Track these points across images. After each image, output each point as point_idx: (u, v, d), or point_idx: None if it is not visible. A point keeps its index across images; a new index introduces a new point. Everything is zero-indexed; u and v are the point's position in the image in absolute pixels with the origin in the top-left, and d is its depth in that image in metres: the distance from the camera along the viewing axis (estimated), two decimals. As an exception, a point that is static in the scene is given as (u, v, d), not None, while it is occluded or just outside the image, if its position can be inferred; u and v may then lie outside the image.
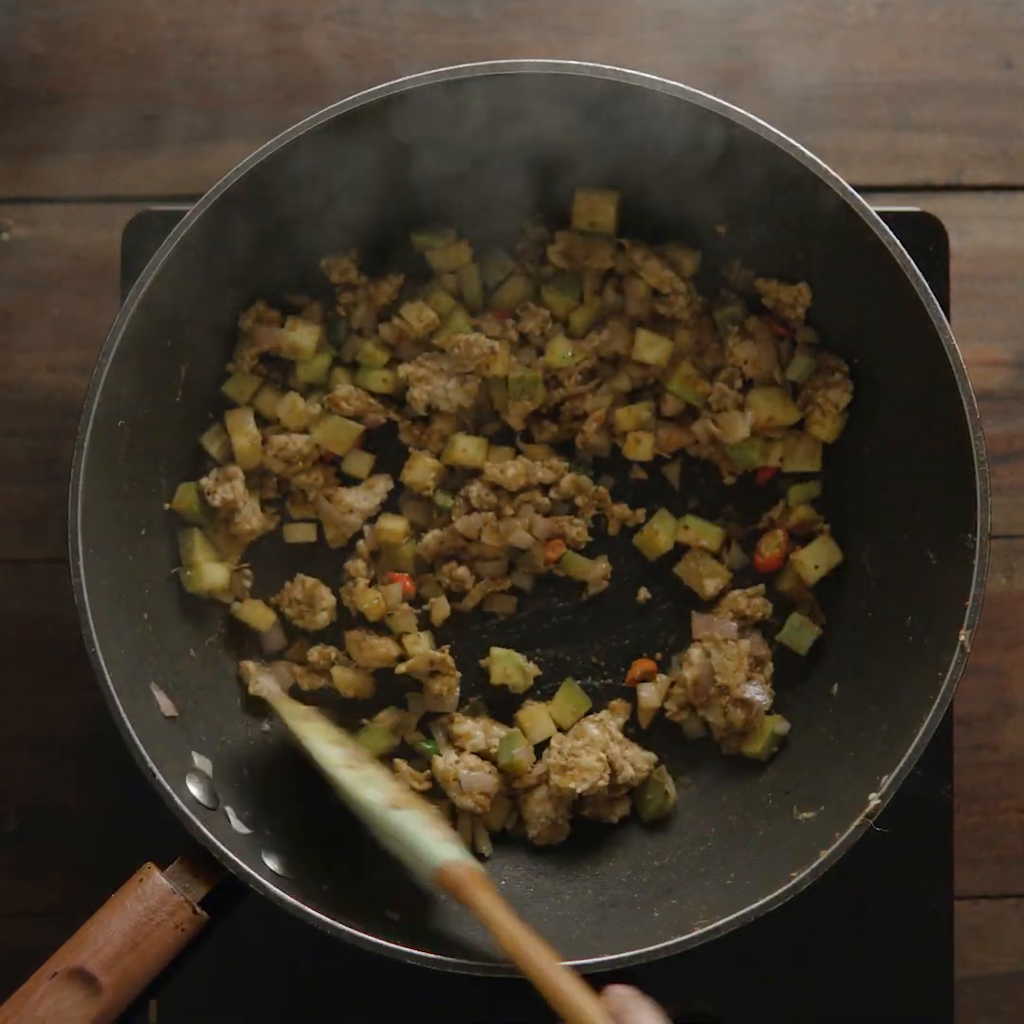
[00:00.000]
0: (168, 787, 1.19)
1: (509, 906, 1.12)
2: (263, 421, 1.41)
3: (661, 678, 1.41)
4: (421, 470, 1.39)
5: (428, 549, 1.40)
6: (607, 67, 1.20)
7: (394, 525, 1.39)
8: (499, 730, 1.38)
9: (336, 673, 1.39)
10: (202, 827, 1.19)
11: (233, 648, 1.41)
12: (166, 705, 1.28)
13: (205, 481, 1.37)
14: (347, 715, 1.40)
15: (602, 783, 1.34)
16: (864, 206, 1.22)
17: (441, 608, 1.40)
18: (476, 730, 1.38)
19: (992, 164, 1.49)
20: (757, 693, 1.37)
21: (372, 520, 1.41)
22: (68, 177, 1.48)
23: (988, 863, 1.45)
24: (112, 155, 1.48)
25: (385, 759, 1.39)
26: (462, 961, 1.18)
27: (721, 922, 1.17)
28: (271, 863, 1.24)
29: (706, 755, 1.41)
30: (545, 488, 1.41)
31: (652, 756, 1.38)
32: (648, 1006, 1.01)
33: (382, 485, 1.41)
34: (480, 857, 1.38)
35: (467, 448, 1.39)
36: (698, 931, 1.17)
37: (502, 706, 1.40)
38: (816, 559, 1.39)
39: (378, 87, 1.21)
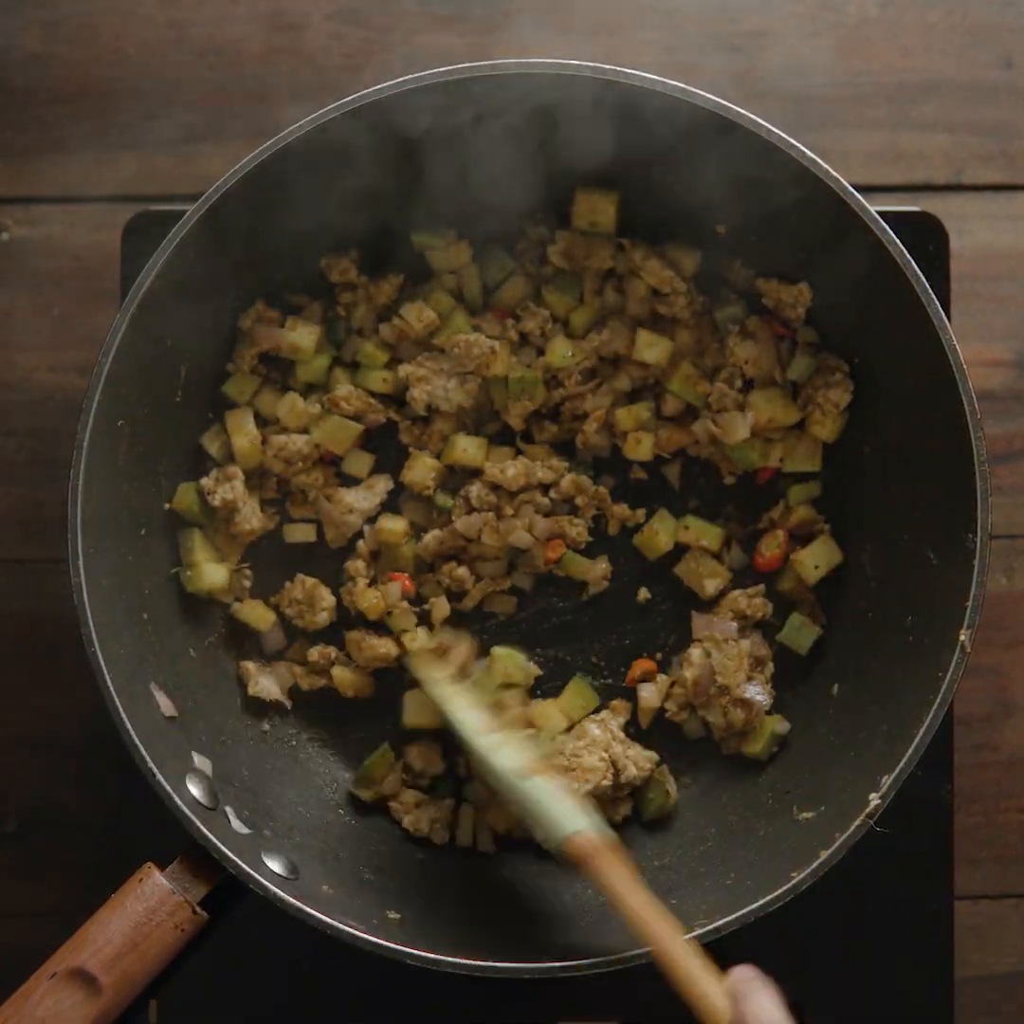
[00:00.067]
0: (168, 787, 1.19)
1: (637, 879, 1.11)
2: (263, 421, 1.41)
3: (661, 678, 1.41)
4: (421, 470, 1.39)
5: (428, 549, 1.40)
6: (607, 67, 1.20)
7: (394, 525, 1.39)
8: None
9: (336, 673, 1.39)
10: (202, 827, 1.19)
11: (233, 648, 1.41)
12: (166, 705, 1.28)
13: (205, 481, 1.37)
14: (347, 715, 1.41)
15: (605, 783, 1.34)
16: (864, 206, 1.22)
17: (441, 608, 1.40)
18: None
19: (992, 164, 1.49)
20: (757, 693, 1.37)
21: (372, 520, 1.41)
22: (68, 177, 1.48)
23: (988, 863, 1.45)
24: (112, 155, 1.48)
25: None
26: (462, 961, 1.18)
27: (721, 922, 1.17)
28: (271, 863, 1.24)
29: (706, 755, 1.40)
30: (545, 488, 1.41)
31: (654, 755, 1.38)
32: (767, 989, 0.99)
33: (382, 485, 1.41)
34: (483, 855, 1.39)
35: (467, 448, 1.39)
36: (698, 931, 1.17)
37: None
38: (816, 559, 1.39)
39: (378, 87, 1.21)
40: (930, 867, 1.38)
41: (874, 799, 1.19)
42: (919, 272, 1.21)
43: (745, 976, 1.01)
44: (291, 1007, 1.38)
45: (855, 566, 1.39)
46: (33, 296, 1.47)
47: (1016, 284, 1.48)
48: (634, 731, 1.41)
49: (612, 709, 1.40)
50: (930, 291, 1.21)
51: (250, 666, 1.40)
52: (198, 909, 1.17)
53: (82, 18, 1.49)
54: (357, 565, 1.40)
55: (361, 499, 1.40)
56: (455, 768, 1.41)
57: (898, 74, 1.49)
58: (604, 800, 1.37)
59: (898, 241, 1.21)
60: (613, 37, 1.49)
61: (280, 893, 1.18)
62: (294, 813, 1.35)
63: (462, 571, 1.39)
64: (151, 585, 1.33)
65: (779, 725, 1.38)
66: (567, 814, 1.19)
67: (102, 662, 1.20)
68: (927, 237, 1.38)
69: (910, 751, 1.19)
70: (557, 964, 1.17)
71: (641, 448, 1.40)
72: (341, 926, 1.18)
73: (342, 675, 1.39)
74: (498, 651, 1.39)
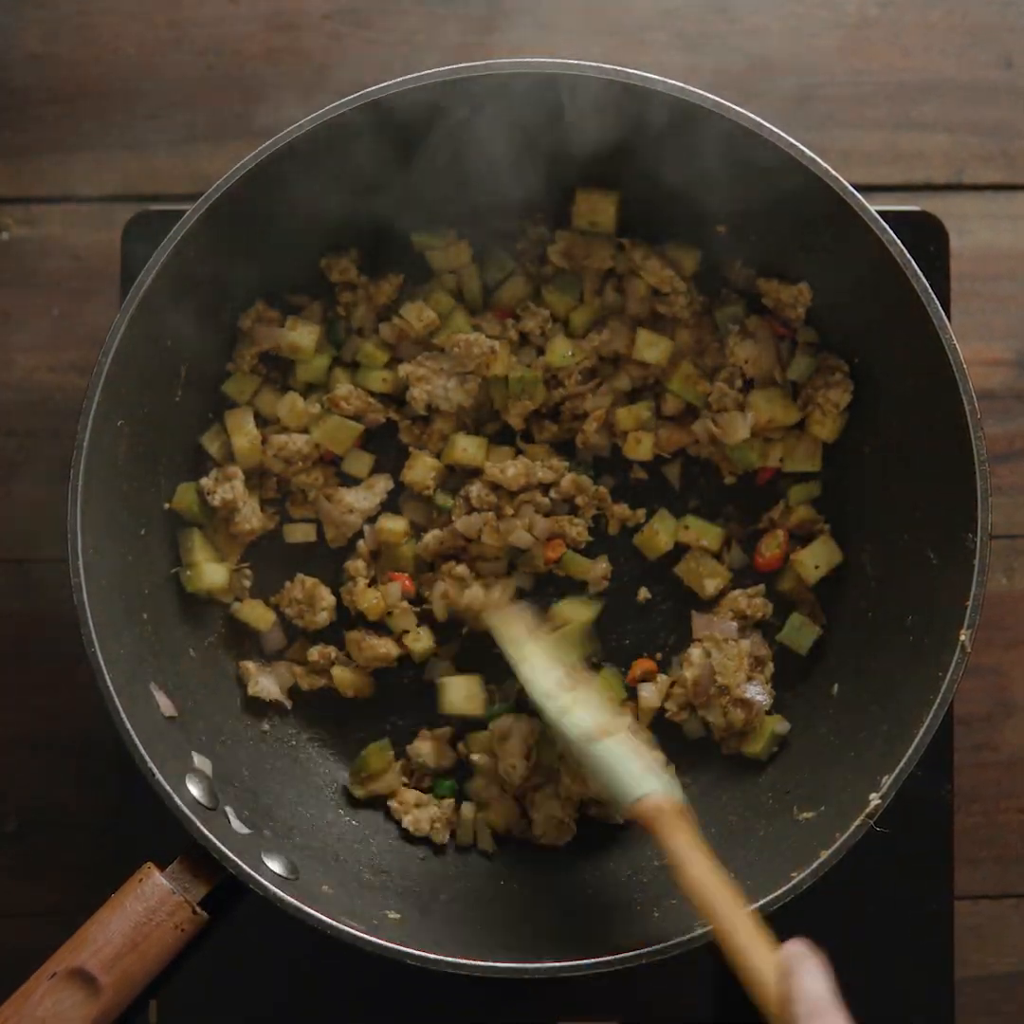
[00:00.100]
0: (168, 787, 1.19)
1: (703, 846, 1.11)
2: (263, 421, 1.41)
3: (661, 678, 1.40)
4: (421, 470, 1.39)
5: (428, 549, 1.40)
6: (607, 66, 1.20)
7: (394, 525, 1.39)
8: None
9: (336, 673, 1.39)
10: (202, 827, 1.19)
11: (233, 648, 1.41)
12: (166, 705, 1.28)
13: (205, 481, 1.37)
14: (347, 715, 1.41)
15: (607, 783, 1.34)
16: (864, 206, 1.21)
17: (441, 608, 1.40)
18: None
19: (992, 164, 1.49)
20: (757, 693, 1.37)
21: (372, 520, 1.41)
22: (68, 177, 1.48)
23: (988, 863, 1.45)
24: (112, 155, 1.48)
25: None
26: (462, 961, 1.17)
27: (721, 922, 1.17)
28: (271, 863, 1.24)
29: (706, 755, 1.40)
30: (545, 488, 1.41)
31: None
32: (817, 966, 0.99)
33: (382, 485, 1.41)
34: (483, 855, 1.39)
35: (467, 448, 1.39)
36: (698, 931, 1.17)
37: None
38: (816, 559, 1.39)
39: (378, 87, 1.21)
40: (930, 867, 1.38)
41: (874, 799, 1.19)
42: (919, 272, 1.21)
43: (796, 951, 1.00)
44: (291, 1007, 1.38)
45: (855, 566, 1.39)
46: (33, 296, 1.47)
47: (1016, 284, 1.48)
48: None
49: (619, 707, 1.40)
50: (930, 291, 1.21)
51: (250, 666, 1.40)
52: (198, 909, 1.17)
53: (82, 18, 1.49)
54: (357, 565, 1.40)
55: (361, 499, 1.40)
56: (464, 763, 1.41)
57: (898, 74, 1.49)
58: (606, 801, 1.37)
59: (898, 241, 1.21)
60: (613, 37, 1.49)
61: (280, 893, 1.18)
62: (294, 813, 1.35)
63: (462, 571, 1.39)
64: (151, 585, 1.33)
65: (779, 725, 1.37)
66: (636, 776, 1.18)
67: (102, 662, 1.20)
68: (927, 237, 1.38)
69: (910, 751, 1.19)
70: (557, 964, 1.17)
71: (641, 448, 1.40)
72: (341, 926, 1.18)
73: (342, 675, 1.39)
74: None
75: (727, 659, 1.36)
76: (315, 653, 1.39)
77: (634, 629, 1.42)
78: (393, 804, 1.39)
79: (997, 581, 1.46)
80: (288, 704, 1.41)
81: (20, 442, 1.46)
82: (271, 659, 1.42)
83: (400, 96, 1.21)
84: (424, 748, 1.39)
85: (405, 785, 1.40)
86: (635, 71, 1.20)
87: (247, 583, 1.41)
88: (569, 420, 1.41)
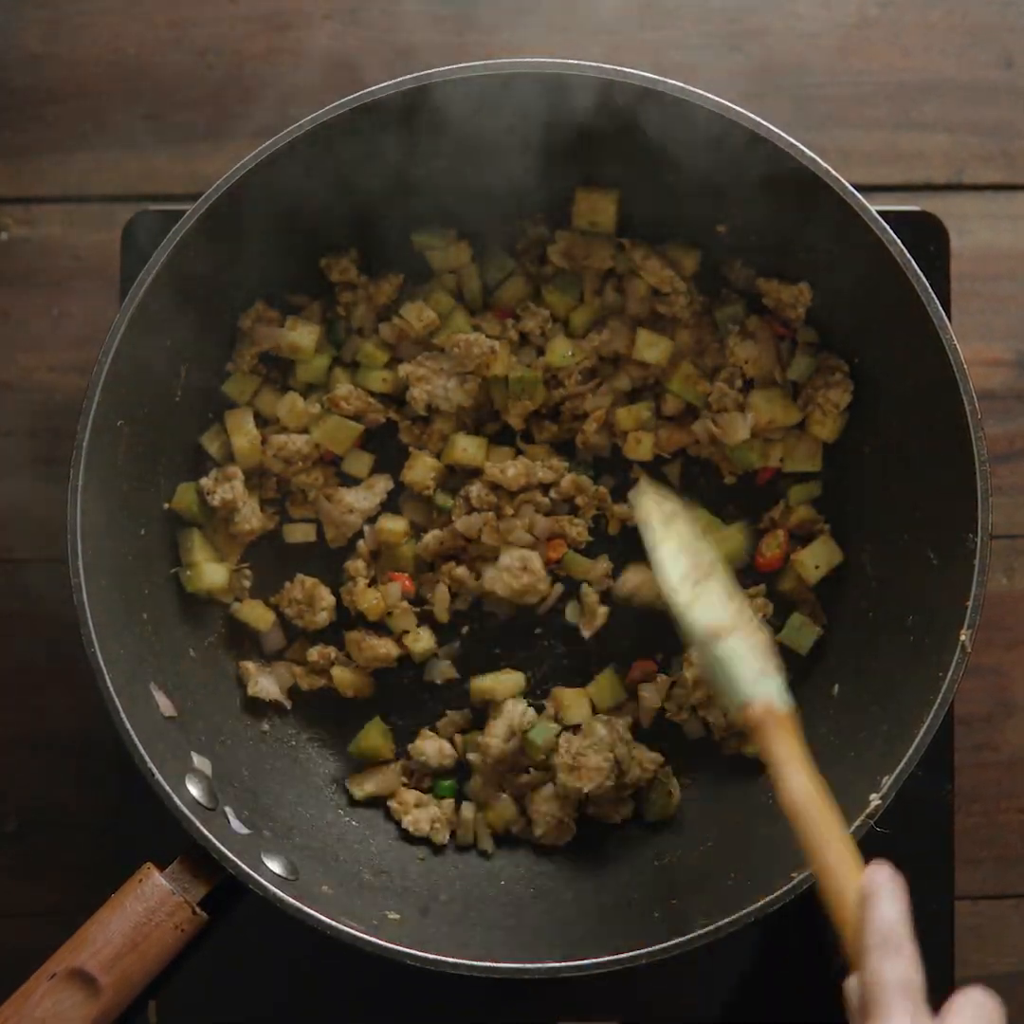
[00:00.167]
0: (168, 787, 1.19)
1: (806, 757, 1.09)
2: (263, 421, 1.41)
3: (661, 678, 1.40)
4: (421, 470, 1.39)
5: (428, 549, 1.40)
6: (608, 67, 1.20)
7: (394, 525, 1.39)
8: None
9: (336, 673, 1.39)
10: (202, 827, 1.19)
11: (233, 648, 1.41)
12: (166, 705, 1.28)
13: (205, 481, 1.37)
14: (347, 715, 1.41)
15: (609, 783, 1.34)
16: (864, 206, 1.21)
17: (443, 604, 1.40)
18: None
19: (992, 164, 1.49)
20: (757, 693, 1.37)
21: (372, 520, 1.41)
22: (68, 177, 1.48)
23: (988, 863, 1.45)
24: (112, 155, 1.48)
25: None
26: (462, 961, 1.18)
27: (721, 922, 1.17)
28: (271, 863, 1.24)
29: (706, 755, 1.40)
30: (545, 488, 1.41)
31: (658, 757, 1.38)
32: (896, 897, 0.97)
33: (382, 485, 1.41)
34: (483, 855, 1.39)
35: (467, 448, 1.39)
36: (698, 931, 1.17)
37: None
38: (816, 559, 1.38)
39: (378, 87, 1.21)
40: (930, 867, 1.38)
41: (874, 799, 1.19)
42: (919, 272, 1.21)
43: (878, 877, 0.98)
44: (291, 1007, 1.38)
45: (855, 566, 1.39)
46: (33, 296, 1.47)
47: (1016, 284, 1.48)
48: (634, 731, 1.41)
49: (618, 709, 1.40)
50: (930, 291, 1.21)
51: (250, 666, 1.40)
52: (198, 909, 1.17)
53: (82, 18, 1.49)
54: (357, 565, 1.40)
55: (361, 499, 1.40)
56: (464, 763, 1.41)
57: (898, 74, 1.49)
58: (606, 800, 1.37)
59: (898, 241, 1.21)
60: (613, 37, 1.49)
61: (280, 893, 1.18)
62: (294, 813, 1.35)
63: (462, 571, 1.39)
64: (151, 585, 1.33)
65: (779, 725, 1.37)
66: (750, 679, 1.15)
67: (102, 662, 1.20)
68: (927, 237, 1.38)
69: (910, 751, 1.18)
70: (557, 964, 1.17)
71: (641, 448, 1.40)
72: (341, 926, 1.18)
73: (342, 675, 1.39)
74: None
75: (727, 659, 1.36)
76: (315, 653, 1.39)
77: (634, 629, 1.42)
78: (393, 804, 1.39)
79: (997, 581, 1.46)
80: (288, 704, 1.41)
81: (20, 442, 1.46)
82: (271, 659, 1.42)
83: (400, 96, 1.21)
84: (424, 748, 1.39)
85: (405, 785, 1.40)
86: (635, 71, 1.20)
87: (247, 583, 1.41)
88: (569, 420, 1.41)
